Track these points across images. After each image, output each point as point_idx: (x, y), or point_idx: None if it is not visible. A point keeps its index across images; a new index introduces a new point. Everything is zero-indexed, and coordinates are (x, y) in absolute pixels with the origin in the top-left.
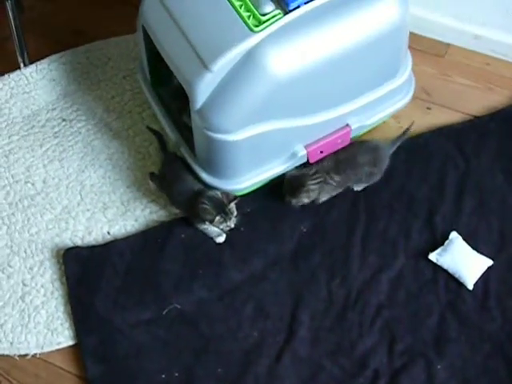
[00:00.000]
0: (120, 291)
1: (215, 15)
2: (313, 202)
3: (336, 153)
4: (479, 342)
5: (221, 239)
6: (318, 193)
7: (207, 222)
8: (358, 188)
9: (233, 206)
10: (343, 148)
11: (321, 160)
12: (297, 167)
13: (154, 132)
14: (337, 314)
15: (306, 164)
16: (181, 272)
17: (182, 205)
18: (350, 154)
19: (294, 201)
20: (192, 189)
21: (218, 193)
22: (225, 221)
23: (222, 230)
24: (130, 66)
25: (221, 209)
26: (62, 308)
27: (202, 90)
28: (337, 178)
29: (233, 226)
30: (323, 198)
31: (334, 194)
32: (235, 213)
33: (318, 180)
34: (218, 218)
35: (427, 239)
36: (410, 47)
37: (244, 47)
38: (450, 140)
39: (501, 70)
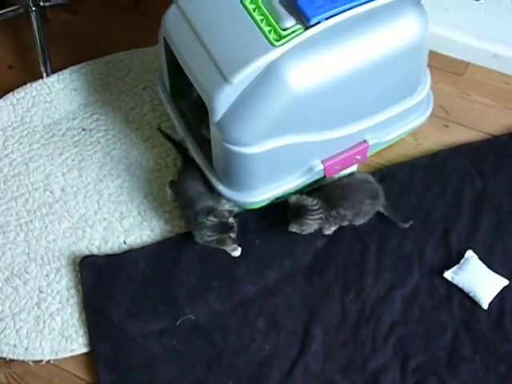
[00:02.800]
0: (134, 300)
1: (236, 29)
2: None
3: (335, 188)
4: (494, 362)
5: (236, 253)
6: (314, 228)
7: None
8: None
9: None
10: (342, 184)
11: (324, 193)
12: (302, 192)
13: (166, 136)
14: (350, 330)
15: (312, 192)
16: (195, 283)
17: (186, 218)
18: (350, 190)
19: (293, 227)
20: (195, 203)
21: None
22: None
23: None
24: (150, 78)
25: (224, 228)
26: (76, 315)
27: (222, 103)
28: (334, 213)
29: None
30: (326, 231)
31: (332, 229)
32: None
33: (318, 216)
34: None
35: (442, 257)
36: (429, 65)
37: (264, 61)
38: (468, 158)
39: None
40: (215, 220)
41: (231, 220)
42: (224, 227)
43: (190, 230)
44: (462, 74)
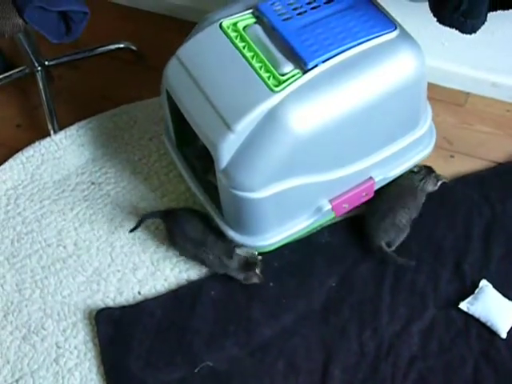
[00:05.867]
0: (152, 351)
1: (236, 77)
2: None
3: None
4: None
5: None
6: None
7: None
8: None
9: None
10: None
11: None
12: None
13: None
14: (369, 367)
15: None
16: (212, 329)
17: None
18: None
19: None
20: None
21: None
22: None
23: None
24: (155, 128)
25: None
26: (95, 369)
27: (226, 150)
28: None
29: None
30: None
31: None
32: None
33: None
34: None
35: (457, 288)
36: (429, 97)
37: (265, 107)
38: (475, 187)
39: None
40: (242, 256)
41: (254, 255)
42: (250, 265)
43: (210, 267)
44: (463, 104)
